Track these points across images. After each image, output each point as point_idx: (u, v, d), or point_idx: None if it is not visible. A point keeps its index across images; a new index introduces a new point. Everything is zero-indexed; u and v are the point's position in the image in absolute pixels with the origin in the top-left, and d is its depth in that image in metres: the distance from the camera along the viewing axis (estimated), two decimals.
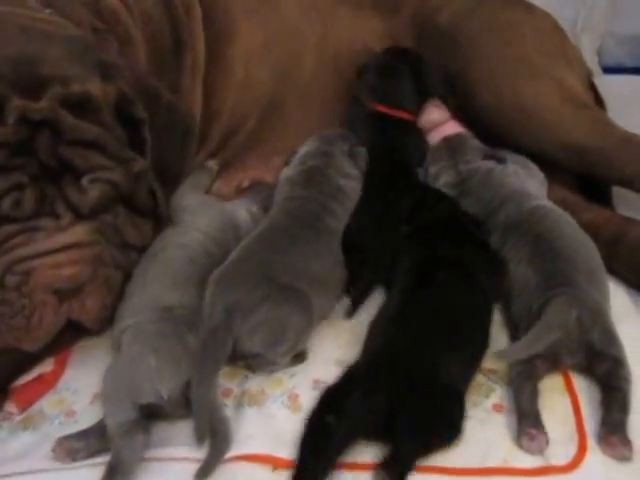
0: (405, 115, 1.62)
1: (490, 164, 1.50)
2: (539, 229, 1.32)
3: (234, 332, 1.13)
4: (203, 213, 1.34)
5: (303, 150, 1.48)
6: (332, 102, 1.69)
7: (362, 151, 1.49)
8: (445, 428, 1.05)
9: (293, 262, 1.21)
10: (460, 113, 1.68)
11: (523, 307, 1.22)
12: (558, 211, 1.37)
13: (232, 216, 1.37)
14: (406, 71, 1.65)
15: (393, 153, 1.54)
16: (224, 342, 1.12)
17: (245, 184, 1.55)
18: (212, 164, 1.54)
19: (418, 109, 1.66)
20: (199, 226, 1.30)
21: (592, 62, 2.16)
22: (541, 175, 1.54)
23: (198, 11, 1.50)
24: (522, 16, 1.74)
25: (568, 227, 1.33)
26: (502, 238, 1.35)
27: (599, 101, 1.77)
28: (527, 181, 1.48)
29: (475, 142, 1.58)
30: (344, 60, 1.71)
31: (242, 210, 1.39)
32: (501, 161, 1.51)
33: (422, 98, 1.66)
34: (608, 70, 2.20)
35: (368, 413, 1.03)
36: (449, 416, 1.05)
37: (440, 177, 1.52)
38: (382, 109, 1.61)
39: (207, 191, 1.50)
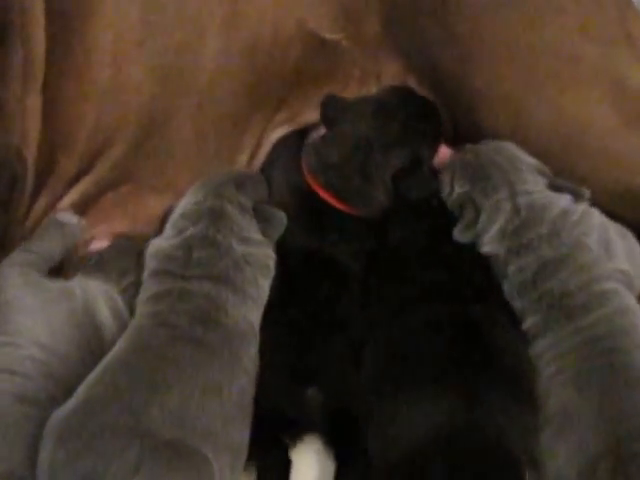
0: (352, 211, 1.11)
1: (562, 200, 0.99)
2: (604, 331, 0.86)
3: None
4: (42, 311, 0.91)
5: (180, 208, 1.03)
6: (244, 114, 1.19)
7: (280, 217, 1.04)
8: None
9: (179, 403, 0.81)
10: (453, 133, 1.19)
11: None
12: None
13: (91, 312, 0.94)
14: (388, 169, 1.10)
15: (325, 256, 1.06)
16: None
17: (97, 245, 1.08)
18: (73, 218, 1.05)
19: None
20: (35, 335, 0.89)
21: None
22: (633, 239, 1.00)
23: None
24: None
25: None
26: (542, 323, 0.90)
27: None
28: (617, 242, 0.97)
29: (527, 157, 1.06)
30: (266, 50, 1.17)
31: (100, 300, 0.96)
32: (579, 197, 1.00)
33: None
34: None
35: None
36: None
37: (495, 221, 0.99)
38: (325, 196, 1.11)
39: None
